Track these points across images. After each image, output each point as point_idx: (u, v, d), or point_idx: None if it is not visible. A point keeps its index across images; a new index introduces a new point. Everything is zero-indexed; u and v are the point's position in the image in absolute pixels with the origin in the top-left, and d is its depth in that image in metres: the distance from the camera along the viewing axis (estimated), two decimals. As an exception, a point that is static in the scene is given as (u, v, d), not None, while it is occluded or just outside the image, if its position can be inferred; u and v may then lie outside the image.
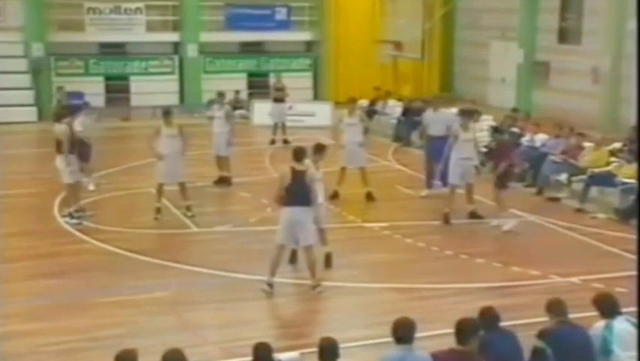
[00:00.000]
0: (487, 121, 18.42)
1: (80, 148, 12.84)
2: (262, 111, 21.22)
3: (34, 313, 8.86)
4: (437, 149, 13.46)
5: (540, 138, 15.76)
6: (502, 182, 12.35)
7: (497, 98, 24.05)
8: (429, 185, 14.12)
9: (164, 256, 10.81)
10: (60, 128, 12.45)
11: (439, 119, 13.96)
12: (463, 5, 26.24)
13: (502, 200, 12.36)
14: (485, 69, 25.22)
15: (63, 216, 12.54)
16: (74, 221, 12.33)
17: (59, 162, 12.40)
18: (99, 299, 9.28)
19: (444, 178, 13.51)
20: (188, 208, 12.78)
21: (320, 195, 10.15)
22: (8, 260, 10.65)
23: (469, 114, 13.11)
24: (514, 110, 18.94)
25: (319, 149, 10.44)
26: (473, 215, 12.69)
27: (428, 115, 14.42)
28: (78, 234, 11.82)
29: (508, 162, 12.39)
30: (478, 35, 25.35)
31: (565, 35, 22.10)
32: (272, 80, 21.73)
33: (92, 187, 14.19)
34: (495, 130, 13.90)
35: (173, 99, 23.87)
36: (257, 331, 8.17)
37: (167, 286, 9.70)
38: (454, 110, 14.46)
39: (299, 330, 8.71)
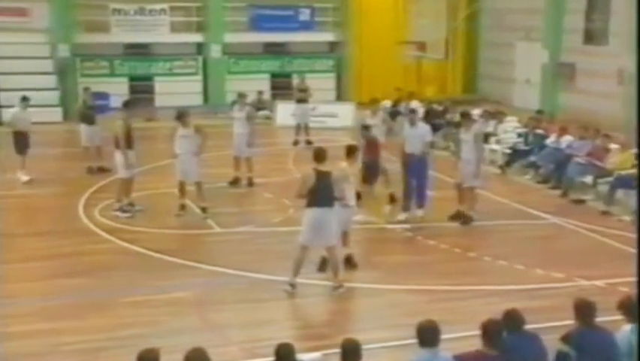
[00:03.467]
0: (511, 122, 18.36)
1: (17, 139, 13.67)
2: (285, 112, 21.25)
3: (58, 312, 8.94)
4: (416, 167, 12.56)
5: (565, 139, 15.62)
6: (368, 176, 12.36)
7: (522, 99, 23.88)
8: (406, 207, 12.78)
9: (187, 256, 10.86)
10: (116, 125, 12.70)
11: (417, 133, 12.61)
12: (488, 6, 26.09)
13: (370, 194, 12.45)
14: (510, 70, 25.05)
15: (114, 210, 12.70)
16: (126, 215, 12.56)
17: (117, 156, 12.70)
18: (122, 299, 9.35)
19: (422, 199, 12.69)
20: (203, 210, 12.83)
21: (351, 197, 10.15)
22: (33, 259, 10.77)
23: (467, 116, 13.06)
24: (539, 111, 18.81)
25: (352, 150, 10.46)
26: (458, 216, 12.58)
27: (406, 130, 12.80)
28: (102, 233, 11.92)
29: (373, 157, 12.45)
30: (503, 36, 25.19)
31: (591, 36, 21.88)
32: (295, 80, 21.74)
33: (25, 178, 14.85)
34: (363, 127, 13.64)
35: (196, 100, 23.99)
36: (279, 331, 8.18)
37: (190, 286, 9.74)
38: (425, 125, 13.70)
39: (321, 331, 8.70)
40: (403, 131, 12.89)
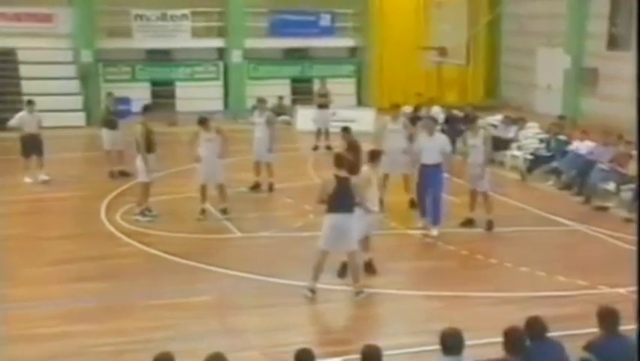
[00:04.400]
0: (533, 128, 18.24)
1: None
2: (305, 117, 21.27)
3: (81, 315, 9.00)
4: (432, 179, 12.18)
5: (587, 145, 15.50)
6: None
7: (544, 104, 23.72)
8: (423, 213, 12.42)
9: (207, 260, 10.89)
10: (136, 129, 12.80)
11: (434, 144, 12.22)
12: (509, 11, 25.96)
13: None
14: (531, 76, 24.90)
15: (135, 214, 12.78)
16: (146, 219, 12.66)
17: (138, 160, 12.82)
18: (144, 302, 9.40)
19: (437, 215, 12.21)
20: (223, 211, 12.92)
21: (374, 202, 10.14)
22: (57, 262, 10.86)
23: (474, 119, 12.98)
24: (561, 117, 18.68)
25: (375, 155, 10.46)
26: (469, 223, 12.54)
27: (423, 140, 12.44)
28: (124, 237, 11.99)
29: (354, 158, 12.22)
30: (524, 41, 25.04)
31: (614, 41, 21.69)
32: (316, 86, 21.77)
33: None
34: (344, 129, 13.65)
35: (217, 105, 24.10)
36: (299, 336, 8.19)
37: (211, 291, 9.77)
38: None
39: (341, 336, 8.69)
40: (420, 141, 12.60)
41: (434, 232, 12.12)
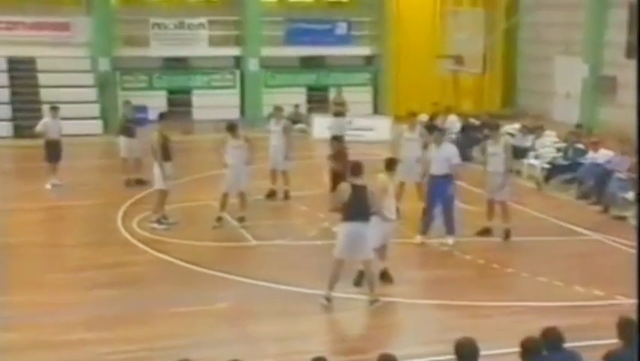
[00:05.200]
0: (550, 137, 18.14)
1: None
2: (322, 125, 21.26)
3: (97, 323, 9.04)
4: (440, 189, 12.09)
5: (605, 154, 15.38)
6: (336, 185, 12.13)
7: (562, 113, 23.57)
8: (424, 230, 12.27)
9: (223, 268, 10.91)
10: (152, 136, 12.87)
11: (441, 154, 12.15)
12: (526, 20, 25.88)
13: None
14: (549, 84, 24.77)
15: (151, 222, 12.83)
16: (163, 227, 12.70)
17: (155, 168, 12.89)
18: (160, 310, 9.41)
19: (450, 225, 12.15)
20: (240, 219, 12.96)
21: (391, 211, 10.12)
22: (73, 270, 10.92)
23: (496, 127, 12.93)
24: (578, 126, 18.56)
25: (391, 163, 10.45)
26: (485, 232, 12.48)
27: (432, 150, 12.41)
28: (140, 245, 12.04)
29: (341, 166, 12.45)
30: (542, 50, 24.93)
31: (633, 50, 21.54)
32: (332, 94, 21.80)
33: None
34: (333, 138, 13.70)
35: (234, 113, 24.14)
36: (315, 345, 8.17)
37: (227, 298, 9.78)
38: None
39: (357, 345, 8.67)
40: (429, 150, 12.54)
41: (450, 240, 12.05)
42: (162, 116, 13.96)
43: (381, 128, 21.77)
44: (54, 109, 16.03)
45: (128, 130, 16.41)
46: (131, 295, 9.98)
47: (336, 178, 12.39)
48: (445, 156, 12.12)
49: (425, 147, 13.94)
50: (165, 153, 12.85)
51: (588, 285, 10.18)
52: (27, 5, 23.09)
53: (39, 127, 15.98)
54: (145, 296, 9.95)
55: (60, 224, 13.54)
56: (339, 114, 19.68)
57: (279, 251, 11.87)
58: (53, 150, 15.70)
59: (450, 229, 12.13)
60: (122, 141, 16.34)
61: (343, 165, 12.41)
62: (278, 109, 15.69)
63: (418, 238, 12.18)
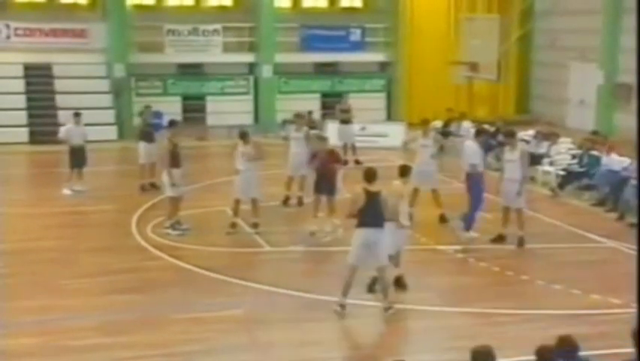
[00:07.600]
0: (565, 144, 18.05)
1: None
2: (335, 132, 21.25)
3: (113, 327, 9.07)
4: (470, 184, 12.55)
5: (620, 161, 15.28)
6: (319, 186, 12.94)
7: (576, 120, 23.47)
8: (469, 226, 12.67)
9: (237, 274, 10.92)
10: (161, 144, 12.93)
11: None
12: (541, 26, 25.79)
13: (320, 204, 12.88)
14: (564, 91, 24.66)
15: (165, 228, 12.88)
16: (177, 233, 12.74)
17: (163, 175, 12.95)
18: (174, 315, 9.44)
19: (469, 222, 12.54)
20: (254, 225, 12.97)
21: (405, 217, 10.10)
22: (88, 275, 10.97)
23: (513, 134, 12.91)
24: (594, 132, 18.45)
25: (405, 170, 10.45)
26: (500, 239, 12.44)
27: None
28: (154, 250, 12.07)
29: (326, 167, 12.89)
30: (557, 56, 24.84)
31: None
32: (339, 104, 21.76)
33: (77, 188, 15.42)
34: (319, 138, 13.82)
35: (247, 119, 24.22)
36: (328, 352, 8.16)
37: (240, 304, 9.79)
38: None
39: (370, 352, 8.65)
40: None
41: (465, 234, 12.37)
42: (172, 123, 14.01)
43: (395, 134, 21.73)
44: (77, 115, 16.12)
45: (148, 135, 16.40)
46: (146, 301, 10.01)
47: (321, 180, 12.99)
48: (466, 153, 12.64)
49: (440, 149, 13.93)
50: (174, 160, 12.86)
51: (604, 293, 10.11)
52: (43, 12, 23.29)
53: (61, 134, 16.10)
54: (159, 302, 9.98)
55: (75, 229, 13.60)
56: (345, 122, 19.66)
57: (292, 258, 11.88)
58: (77, 156, 15.80)
59: (466, 225, 12.47)
60: (142, 146, 16.26)
61: (322, 165, 12.97)
62: (299, 116, 15.69)
63: (472, 234, 12.53)
